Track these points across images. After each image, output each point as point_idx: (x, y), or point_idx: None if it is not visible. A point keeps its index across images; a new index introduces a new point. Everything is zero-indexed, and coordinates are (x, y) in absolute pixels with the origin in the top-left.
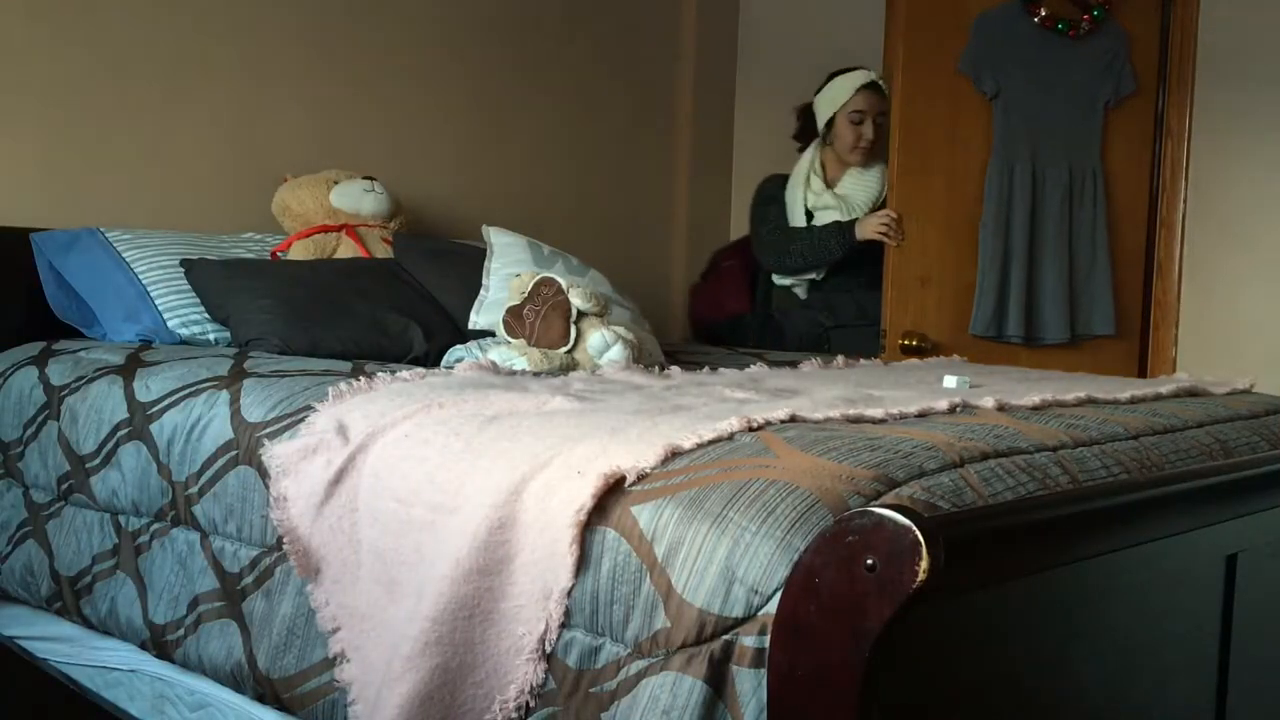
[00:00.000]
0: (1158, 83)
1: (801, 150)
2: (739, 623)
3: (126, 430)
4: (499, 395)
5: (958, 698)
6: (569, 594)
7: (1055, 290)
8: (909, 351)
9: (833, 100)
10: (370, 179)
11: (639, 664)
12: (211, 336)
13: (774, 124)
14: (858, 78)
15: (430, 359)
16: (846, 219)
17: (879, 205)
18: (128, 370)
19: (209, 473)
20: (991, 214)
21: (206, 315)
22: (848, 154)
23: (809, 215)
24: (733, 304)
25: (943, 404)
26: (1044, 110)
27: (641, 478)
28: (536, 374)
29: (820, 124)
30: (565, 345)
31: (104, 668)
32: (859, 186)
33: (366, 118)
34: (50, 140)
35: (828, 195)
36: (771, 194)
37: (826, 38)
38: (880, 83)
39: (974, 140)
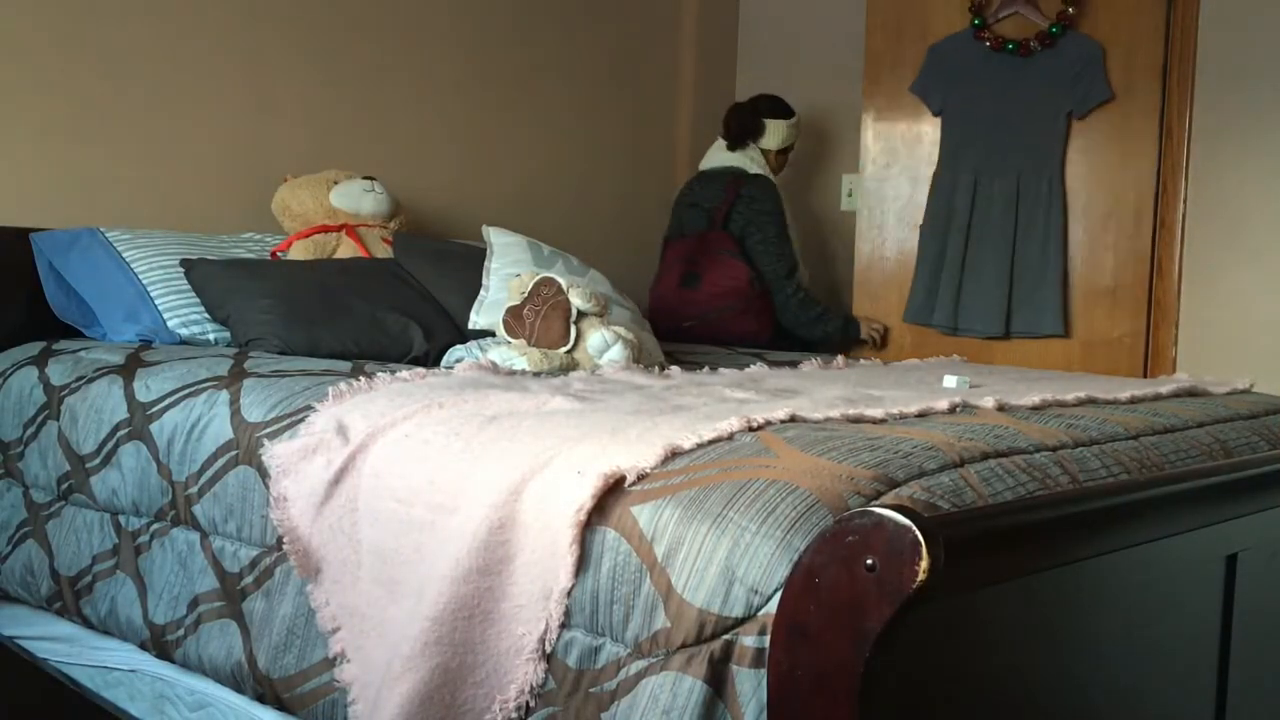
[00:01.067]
0: (1158, 83)
1: (732, 149)
2: (739, 623)
3: (126, 430)
4: (499, 395)
5: (958, 698)
6: (569, 594)
7: (991, 288)
8: None
9: (798, 133)
10: (370, 179)
11: (639, 664)
12: (211, 336)
13: None
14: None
15: (430, 359)
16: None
17: None
18: (128, 370)
19: (209, 473)
20: (929, 218)
21: (206, 315)
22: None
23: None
24: (771, 315)
25: (943, 404)
26: (992, 124)
27: (641, 478)
28: (536, 374)
29: (781, 143)
30: (565, 345)
31: (104, 668)
32: None
33: (366, 118)
34: (50, 140)
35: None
36: (783, 222)
37: (826, 39)
38: None
39: (933, 153)
